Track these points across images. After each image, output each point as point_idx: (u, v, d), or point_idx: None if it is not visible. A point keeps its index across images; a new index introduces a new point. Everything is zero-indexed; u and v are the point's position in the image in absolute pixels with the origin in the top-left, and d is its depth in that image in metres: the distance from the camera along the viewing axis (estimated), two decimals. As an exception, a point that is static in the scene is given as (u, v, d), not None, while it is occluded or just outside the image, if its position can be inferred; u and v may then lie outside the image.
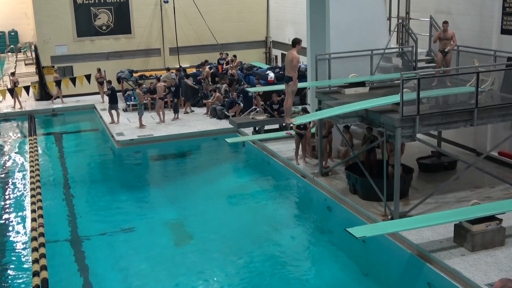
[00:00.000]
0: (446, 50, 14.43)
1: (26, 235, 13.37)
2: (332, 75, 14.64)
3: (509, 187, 13.31)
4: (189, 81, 24.51)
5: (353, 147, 14.78)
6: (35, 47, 28.99)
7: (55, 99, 26.53)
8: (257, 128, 19.57)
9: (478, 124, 12.44)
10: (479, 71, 12.22)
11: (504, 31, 14.73)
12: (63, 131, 23.69)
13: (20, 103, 25.80)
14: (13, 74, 27.37)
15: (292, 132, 16.99)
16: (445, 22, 14.41)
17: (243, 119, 19.89)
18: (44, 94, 27.10)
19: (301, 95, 21.63)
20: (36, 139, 21.39)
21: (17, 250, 12.76)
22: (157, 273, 11.46)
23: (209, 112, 23.06)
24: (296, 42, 12.56)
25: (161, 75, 26.07)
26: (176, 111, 22.61)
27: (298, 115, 16.24)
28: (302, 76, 20.20)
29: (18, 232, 13.77)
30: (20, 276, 11.59)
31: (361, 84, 14.52)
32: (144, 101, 22.30)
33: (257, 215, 14.43)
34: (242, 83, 24.46)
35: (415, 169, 14.39)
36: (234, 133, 20.33)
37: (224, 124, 21.25)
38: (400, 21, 16.31)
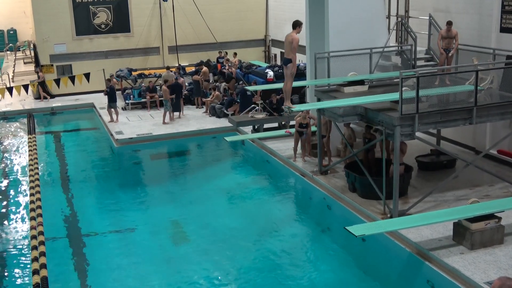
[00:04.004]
0: (450, 54, 14.45)
1: (25, 234, 13.37)
2: (331, 74, 14.64)
3: (508, 185, 13.33)
4: (196, 77, 24.53)
5: (353, 145, 14.77)
6: (34, 45, 28.98)
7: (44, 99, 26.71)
8: (256, 127, 19.58)
9: (477, 122, 12.45)
10: (478, 70, 12.23)
11: (503, 29, 14.74)
12: (62, 130, 23.68)
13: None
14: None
15: (292, 130, 17.00)
16: (450, 23, 14.39)
17: (242, 117, 19.91)
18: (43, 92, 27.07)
19: (300, 93, 21.64)
20: (35, 137, 21.39)
21: (16, 249, 12.76)
22: (157, 271, 11.46)
23: (208, 111, 23.07)
24: (296, 24, 12.63)
25: (160, 74, 26.15)
26: (177, 110, 22.58)
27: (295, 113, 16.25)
28: (301, 75, 20.23)
29: (17, 231, 13.78)
30: (20, 274, 11.60)
31: (360, 82, 14.53)
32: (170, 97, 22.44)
33: (257, 213, 14.44)
34: (241, 82, 24.46)
35: (414, 168, 14.40)
36: (233, 132, 20.33)
37: (223, 122, 21.25)
38: (399, 19, 16.33)
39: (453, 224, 11.05)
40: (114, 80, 24.54)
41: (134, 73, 26.87)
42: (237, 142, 19.87)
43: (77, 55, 27.82)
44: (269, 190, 15.85)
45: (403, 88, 11.52)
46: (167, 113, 21.94)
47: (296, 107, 13.70)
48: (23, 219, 14.32)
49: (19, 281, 11.36)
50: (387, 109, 12.28)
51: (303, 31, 15.80)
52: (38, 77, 26.89)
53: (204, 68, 25.79)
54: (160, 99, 24.35)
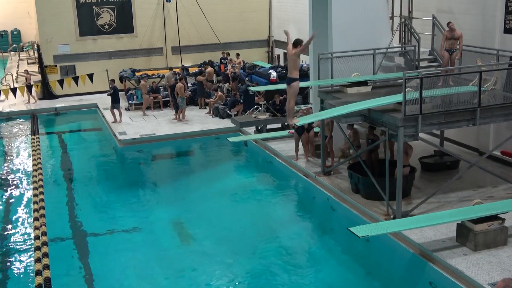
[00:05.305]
0: (456, 57, 14.44)
1: (28, 234, 13.38)
2: (334, 74, 14.64)
3: (512, 186, 13.31)
4: (200, 77, 24.57)
5: (359, 147, 14.73)
6: (38, 46, 29.02)
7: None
8: (259, 127, 19.58)
9: (481, 123, 12.43)
10: (482, 71, 12.21)
11: (507, 30, 14.71)
12: (66, 130, 23.72)
13: (34, 98, 26.44)
14: (27, 71, 27.66)
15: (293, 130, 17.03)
16: (450, 23, 14.42)
17: (246, 118, 19.91)
18: (46, 93, 27.15)
19: (303, 94, 21.63)
20: (38, 138, 21.42)
21: (19, 249, 12.77)
22: (160, 272, 11.47)
23: (211, 111, 23.07)
24: (297, 43, 12.42)
25: (163, 75, 26.17)
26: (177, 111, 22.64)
27: (299, 114, 16.26)
28: (305, 75, 20.22)
29: (20, 231, 13.78)
30: (23, 275, 11.61)
31: (364, 83, 14.53)
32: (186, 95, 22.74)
33: (260, 214, 14.44)
34: (247, 79, 24.46)
35: (418, 168, 14.37)
36: (236, 132, 20.33)
37: (227, 123, 21.26)
38: (403, 20, 16.30)
39: (456, 225, 11.04)
40: (143, 82, 24.38)
41: (137, 74, 26.88)
42: (240, 143, 19.87)
43: (80, 55, 27.85)
44: (272, 191, 15.84)
45: (407, 89, 11.51)
46: (183, 110, 22.18)
47: (300, 121, 13.62)
48: (26, 220, 14.33)
49: (22, 281, 11.37)
50: (390, 110, 12.27)
51: (306, 32, 15.83)
52: (26, 79, 26.99)
53: (209, 68, 25.81)
54: (163, 99, 24.38)
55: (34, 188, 15.89)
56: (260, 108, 20.20)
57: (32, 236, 12.97)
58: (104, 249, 12.63)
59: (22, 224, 14.19)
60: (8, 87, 26.49)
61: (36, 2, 27.28)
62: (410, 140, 12.04)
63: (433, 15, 15.68)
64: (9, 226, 14.12)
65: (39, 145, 20.32)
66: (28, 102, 26.44)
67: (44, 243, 12.31)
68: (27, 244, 12.91)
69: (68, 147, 21.08)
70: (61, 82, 25.53)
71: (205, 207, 14.78)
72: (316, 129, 16.22)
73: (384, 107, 12.51)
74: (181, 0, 28.36)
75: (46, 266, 11.19)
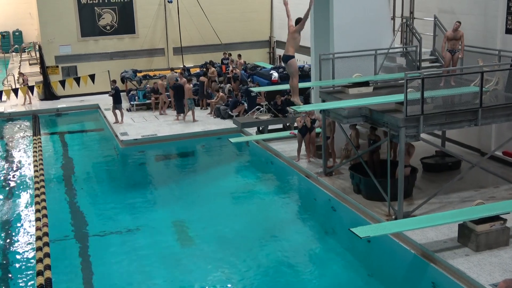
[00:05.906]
0: (458, 56, 14.45)
1: (30, 235, 13.40)
2: (336, 75, 14.63)
3: (514, 187, 13.29)
4: (203, 78, 24.63)
5: (358, 147, 14.74)
6: (39, 47, 29.05)
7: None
8: (260, 128, 19.58)
9: (483, 124, 12.42)
10: (484, 71, 12.20)
11: (508, 31, 14.70)
12: (68, 131, 23.74)
13: (30, 99, 26.50)
14: (22, 74, 27.94)
15: (296, 131, 17.02)
16: (458, 22, 14.45)
17: (247, 119, 19.91)
18: (48, 94, 27.18)
19: (304, 94, 21.61)
20: (40, 138, 21.44)
21: (21, 249, 12.78)
22: (161, 272, 11.47)
23: (213, 112, 23.09)
24: (298, 21, 12.82)
25: (165, 75, 26.18)
26: (181, 111, 22.62)
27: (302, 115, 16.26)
28: (306, 76, 20.22)
29: (22, 231, 13.80)
30: (24, 275, 11.60)
31: (365, 83, 14.53)
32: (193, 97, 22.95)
33: (261, 215, 14.43)
34: (249, 79, 24.45)
35: (419, 169, 14.37)
36: (237, 133, 20.35)
37: (228, 124, 21.26)
38: (404, 20, 16.31)
39: (458, 226, 11.03)
40: (160, 81, 24.50)
41: (139, 74, 26.91)
42: (241, 143, 19.89)
43: (82, 56, 27.88)
44: (274, 192, 15.84)
45: (408, 90, 11.51)
46: (193, 111, 22.26)
47: (301, 108, 13.68)
48: (28, 220, 14.34)
49: (23, 282, 11.37)
50: (392, 111, 12.27)
51: (308, 32, 15.83)
52: (23, 80, 27.04)
53: (213, 68, 25.83)
54: (165, 100, 24.41)
55: (36, 189, 15.91)
56: (261, 109, 20.20)
57: (34, 236, 12.98)
58: (106, 249, 12.62)
59: (24, 224, 14.20)
60: (10, 88, 26.54)
61: (37, 3, 27.32)
62: (411, 140, 12.04)
63: (434, 15, 15.69)
64: (11, 227, 14.13)
65: (40, 146, 20.34)
66: (30, 102, 26.52)
67: (46, 244, 12.33)
68: (29, 244, 12.92)
69: (69, 148, 21.10)
70: (62, 83, 25.52)
71: (206, 208, 14.78)
72: (318, 130, 16.22)
73: (386, 107, 12.51)
74: (182, 1, 28.38)
75: (48, 267, 11.20)
